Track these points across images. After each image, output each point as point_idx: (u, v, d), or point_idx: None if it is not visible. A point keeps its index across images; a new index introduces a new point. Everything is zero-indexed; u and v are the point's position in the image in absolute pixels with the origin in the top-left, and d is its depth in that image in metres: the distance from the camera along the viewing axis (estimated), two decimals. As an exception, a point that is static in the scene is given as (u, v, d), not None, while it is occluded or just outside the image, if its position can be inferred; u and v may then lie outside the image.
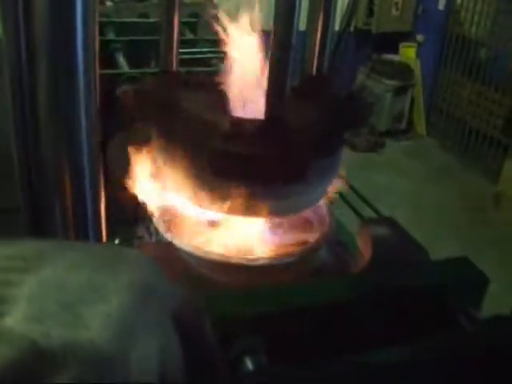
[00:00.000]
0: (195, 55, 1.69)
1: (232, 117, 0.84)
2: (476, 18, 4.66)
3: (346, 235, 1.07)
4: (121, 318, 0.31)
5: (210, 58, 1.64)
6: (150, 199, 0.91)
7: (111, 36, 1.97)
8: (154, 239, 0.95)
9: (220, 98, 0.85)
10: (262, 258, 0.86)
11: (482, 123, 4.61)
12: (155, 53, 1.68)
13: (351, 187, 1.29)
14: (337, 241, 1.00)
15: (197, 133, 0.79)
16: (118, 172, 0.87)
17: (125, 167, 0.87)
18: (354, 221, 1.10)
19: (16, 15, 0.53)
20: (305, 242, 0.92)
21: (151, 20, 2.24)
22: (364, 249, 0.90)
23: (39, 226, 0.63)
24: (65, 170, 0.59)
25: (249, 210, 0.82)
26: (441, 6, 4.98)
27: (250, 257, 0.86)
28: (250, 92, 0.86)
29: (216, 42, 0.88)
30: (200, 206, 0.85)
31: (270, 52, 0.77)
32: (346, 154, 0.93)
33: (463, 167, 4.69)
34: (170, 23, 0.92)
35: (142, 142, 0.85)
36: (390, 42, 5.14)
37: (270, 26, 0.75)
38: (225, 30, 0.84)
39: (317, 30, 0.95)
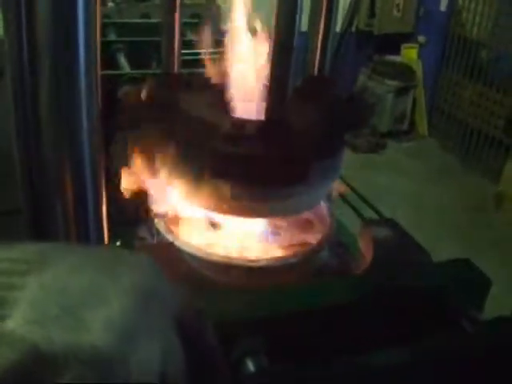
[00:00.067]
0: (196, 56, 1.69)
1: (233, 118, 0.84)
2: (477, 19, 4.66)
3: (347, 236, 1.07)
4: (122, 321, 0.31)
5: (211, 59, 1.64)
6: (152, 200, 0.91)
7: (113, 37, 1.98)
8: (155, 240, 0.95)
9: (221, 99, 0.85)
10: (264, 260, 0.86)
11: (484, 124, 4.61)
12: (156, 54, 1.68)
13: (352, 188, 1.29)
14: (338, 242, 1.00)
15: (198, 134, 0.79)
16: (119, 172, 0.87)
17: (126, 168, 0.87)
18: (355, 221, 1.10)
19: (18, 16, 0.53)
20: (306, 244, 0.92)
21: (153, 21, 2.25)
22: (365, 250, 0.90)
23: (40, 226, 0.63)
24: (66, 171, 0.59)
25: (249, 211, 0.82)
26: (442, 7, 4.98)
27: (252, 258, 0.86)
28: (252, 93, 0.86)
29: (217, 43, 0.88)
30: (201, 206, 0.85)
31: (271, 53, 0.77)
32: (347, 154, 0.93)
33: (464, 168, 4.68)
34: (172, 24, 0.92)
35: (143, 142, 0.85)
36: (392, 43, 5.14)
37: (272, 26, 0.75)
38: (226, 30, 0.84)
39: (318, 30, 0.95)
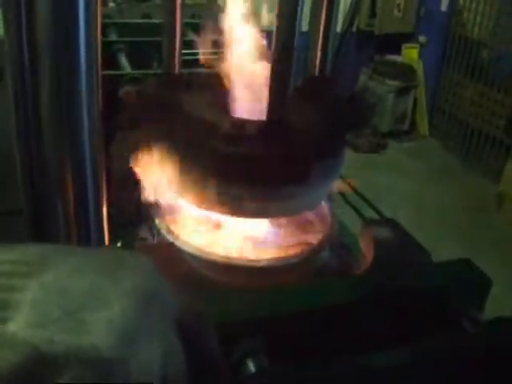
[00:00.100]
0: (197, 56, 1.69)
1: (234, 118, 0.84)
2: (478, 19, 4.66)
3: (348, 236, 1.07)
4: (123, 323, 0.31)
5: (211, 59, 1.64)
6: (153, 200, 0.91)
7: (114, 37, 1.97)
8: (156, 240, 0.95)
9: (222, 99, 0.85)
10: (264, 260, 0.86)
11: (485, 124, 4.61)
12: (158, 54, 1.68)
13: (353, 188, 1.29)
14: (339, 242, 1.00)
15: (199, 134, 0.79)
16: (119, 173, 0.87)
17: (127, 168, 0.86)
18: (355, 221, 1.10)
19: (18, 15, 0.53)
20: (307, 244, 0.92)
21: (154, 21, 2.24)
22: (366, 250, 0.90)
23: (41, 226, 0.63)
24: (67, 171, 0.59)
25: (250, 211, 0.82)
26: (443, 7, 4.98)
27: (252, 258, 0.86)
28: (253, 93, 0.86)
29: (218, 43, 0.88)
30: (202, 207, 0.85)
31: (272, 53, 0.77)
32: (348, 155, 0.93)
33: (465, 168, 4.68)
34: (173, 24, 0.92)
35: (144, 143, 0.85)
36: (393, 43, 5.14)
37: (273, 26, 0.75)
38: (227, 30, 0.84)
39: (319, 30, 0.95)
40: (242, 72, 0.87)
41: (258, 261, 0.85)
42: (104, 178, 0.64)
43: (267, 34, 0.85)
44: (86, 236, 0.64)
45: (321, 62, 0.97)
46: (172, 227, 0.90)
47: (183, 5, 0.93)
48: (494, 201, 4.02)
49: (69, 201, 0.60)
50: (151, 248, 0.95)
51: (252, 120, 0.82)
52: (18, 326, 0.29)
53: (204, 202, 0.83)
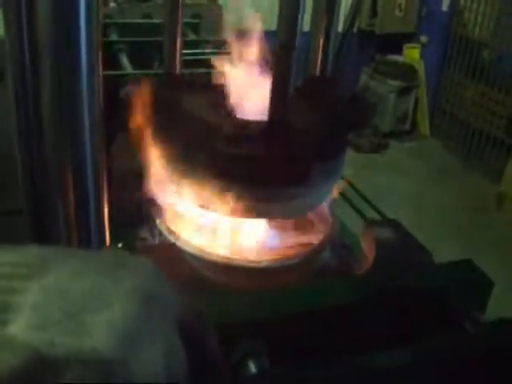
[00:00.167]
0: (198, 56, 1.69)
1: (235, 118, 0.84)
2: (479, 19, 4.66)
3: (349, 237, 1.07)
4: (124, 325, 0.31)
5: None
6: (153, 200, 0.91)
7: (114, 37, 1.97)
8: (157, 241, 0.95)
9: (223, 100, 0.85)
10: (265, 260, 0.86)
11: (486, 124, 4.61)
12: (159, 54, 1.68)
13: (354, 188, 1.29)
14: (340, 242, 1.00)
15: (200, 134, 0.79)
16: (120, 172, 0.87)
17: (127, 168, 0.86)
18: (356, 221, 1.10)
19: (19, 16, 0.53)
20: (308, 244, 0.92)
21: (154, 21, 2.24)
22: (367, 250, 0.90)
23: (41, 226, 0.63)
24: (68, 171, 0.59)
25: (251, 212, 0.82)
26: (444, 7, 4.97)
27: (253, 259, 0.86)
28: (254, 93, 0.86)
29: (219, 43, 0.88)
30: (203, 207, 0.85)
31: (273, 53, 0.77)
32: (349, 154, 0.92)
33: (466, 168, 4.68)
34: (174, 24, 0.92)
35: (145, 143, 0.85)
36: (394, 43, 5.14)
37: (274, 26, 0.75)
38: (228, 31, 0.84)
39: (320, 31, 0.95)
40: (243, 72, 0.87)
41: (259, 261, 0.85)
42: (105, 178, 0.64)
43: (268, 34, 0.85)
44: (87, 236, 0.64)
45: (322, 62, 0.97)
46: (173, 227, 0.90)
47: (184, 5, 0.93)
48: (494, 201, 4.02)
49: (69, 201, 0.60)
50: (152, 248, 0.95)
51: (253, 120, 0.82)
52: (18, 328, 0.29)
53: (205, 202, 0.83)
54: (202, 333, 0.39)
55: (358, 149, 4.57)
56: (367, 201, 1.28)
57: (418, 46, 5.21)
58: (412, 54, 5.21)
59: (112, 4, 2.52)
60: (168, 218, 0.93)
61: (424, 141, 5.17)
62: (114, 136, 0.88)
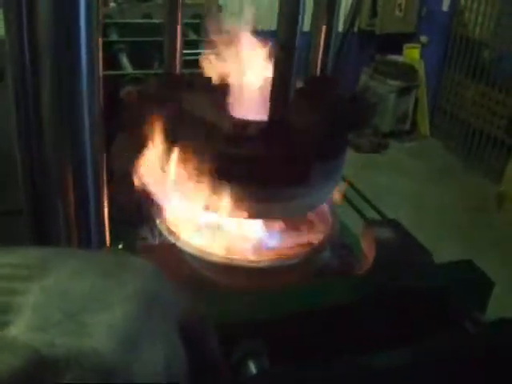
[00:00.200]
0: (198, 56, 1.69)
1: (236, 119, 0.84)
2: (480, 19, 4.65)
3: (349, 237, 1.07)
4: (124, 326, 0.31)
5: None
6: (154, 200, 0.91)
7: (114, 37, 1.97)
8: (157, 241, 0.94)
9: (224, 100, 0.85)
10: (265, 260, 0.86)
11: (486, 124, 4.61)
12: (159, 54, 1.68)
13: (354, 188, 1.29)
14: (340, 243, 1.00)
15: (200, 134, 0.79)
16: (120, 173, 0.87)
17: (127, 168, 0.86)
18: (357, 222, 1.10)
19: (19, 16, 0.53)
20: (308, 244, 0.92)
21: (154, 21, 2.24)
22: (368, 251, 0.90)
23: (41, 227, 0.63)
24: (68, 171, 0.59)
25: (252, 212, 0.82)
26: (445, 7, 4.97)
27: (253, 259, 0.86)
28: (254, 93, 0.85)
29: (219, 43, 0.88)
30: (203, 207, 0.85)
31: (274, 53, 0.76)
32: (349, 154, 0.92)
33: (466, 168, 4.68)
34: (174, 24, 0.92)
35: (145, 143, 0.85)
36: (394, 42, 5.14)
37: (274, 26, 0.75)
38: (229, 30, 0.84)
39: (321, 30, 0.95)
40: (243, 72, 0.87)
41: (259, 261, 0.85)
42: (105, 178, 0.64)
43: (268, 34, 0.85)
44: (87, 236, 0.64)
45: (322, 61, 0.97)
46: (173, 228, 0.90)
47: (184, 5, 0.93)
48: (494, 201, 4.02)
49: (69, 201, 0.60)
50: (152, 248, 0.95)
51: (254, 120, 0.82)
52: (18, 329, 0.29)
53: (205, 202, 0.82)
54: (202, 333, 0.39)
55: (358, 149, 4.57)
56: (367, 201, 1.28)
57: (418, 45, 5.21)
58: (412, 53, 5.21)
59: (112, 4, 2.52)
60: (168, 219, 0.92)
61: (424, 141, 5.16)
62: (113, 136, 0.87)
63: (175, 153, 0.82)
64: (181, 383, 0.34)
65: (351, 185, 1.23)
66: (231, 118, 0.84)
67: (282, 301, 0.69)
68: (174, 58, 0.95)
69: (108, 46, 1.83)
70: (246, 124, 0.80)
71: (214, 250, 0.86)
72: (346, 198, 1.16)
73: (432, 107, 5.21)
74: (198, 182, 0.80)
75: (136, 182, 0.87)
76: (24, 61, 0.55)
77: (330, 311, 0.69)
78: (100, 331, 0.30)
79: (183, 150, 0.81)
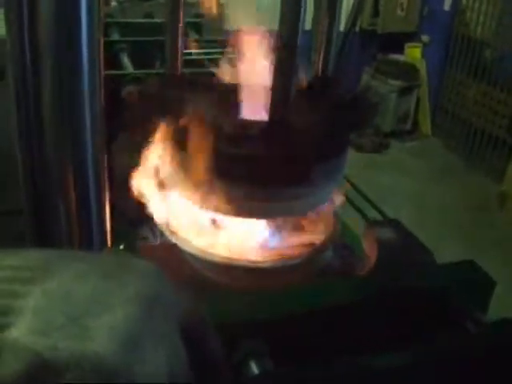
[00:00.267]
0: (200, 56, 1.69)
1: (237, 118, 0.84)
2: (481, 18, 4.65)
3: (350, 237, 1.06)
4: (126, 329, 0.31)
5: (214, 58, 1.64)
6: (155, 201, 0.91)
7: (116, 36, 1.97)
8: (158, 241, 0.94)
9: (225, 100, 0.85)
10: (267, 261, 0.85)
11: (488, 123, 4.60)
12: (160, 53, 1.68)
13: (355, 188, 1.29)
14: (342, 243, 1.00)
15: (201, 134, 0.79)
16: (121, 173, 0.87)
17: (128, 168, 0.86)
18: (358, 221, 1.10)
19: (20, 15, 0.53)
20: (309, 244, 0.92)
21: (156, 20, 2.24)
22: (369, 251, 0.90)
23: (42, 226, 0.63)
24: (69, 171, 0.59)
25: (253, 212, 0.82)
26: (446, 6, 4.97)
27: (255, 259, 0.86)
28: (256, 93, 0.85)
29: (221, 43, 0.88)
30: (204, 207, 0.85)
31: (274, 52, 0.76)
32: (350, 154, 0.92)
33: (468, 167, 4.68)
34: (175, 24, 0.92)
35: (146, 143, 0.85)
36: (396, 42, 5.14)
37: (275, 25, 0.74)
38: (230, 30, 0.83)
39: (322, 30, 0.95)
40: (244, 72, 0.87)
41: (260, 261, 0.85)
42: (106, 178, 0.64)
43: (270, 33, 0.85)
44: (88, 237, 0.64)
45: (324, 61, 0.97)
46: (174, 228, 0.90)
47: (185, 4, 0.93)
48: (496, 200, 4.02)
49: (70, 201, 0.60)
50: (153, 249, 0.94)
51: (255, 120, 0.82)
52: (20, 332, 0.29)
53: (206, 202, 0.82)
54: (203, 334, 0.39)
55: (359, 148, 4.57)
56: (369, 200, 1.28)
57: (420, 45, 5.20)
58: (414, 53, 5.21)
59: (113, 3, 2.52)
60: (169, 219, 0.92)
61: (425, 140, 5.16)
62: (115, 136, 0.87)
63: (176, 153, 0.82)
64: (182, 382, 0.35)
65: (352, 185, 1.23)
66: (233, 117, 0.84)
67: (284, 301, 0.69)
68: (176, 57, 0.95)
69: (109, 45, 1.83)
70: (247, 124, 0.80)
71: (215, 250, 0.86)
72: (347, 197, 1.16)
73: (433, 107, 5.21)
74: (198, 181, 0.80)
75: (136, 181, 0.87)
76: (25, 61, 0.54)
77: (332, 311, 0.69)
78: (101, 334, 0.30)
79: (184, 150, 0.81)
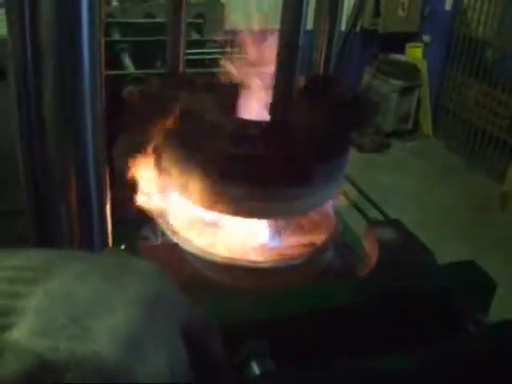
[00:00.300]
0: (201, 56, 1.68)
1: (238, 118, 0.84)
2: (483, 18, 4.65)
3: (352, 237, 1.06)
4: (128, 330, 0.31)
5: (216, 58, 1.64)
6: (156, 201, 0.91)
7: (117, 36, 1.97)
8: (159, 240, 0.94)
9: (226, 100, 0.85)
10: (268, 261, 0.85)
11: (488, 124, 4.60)
12: (161, 53, 1.68)
13: (356, 188, 1.29)
14: (343, 243, 0.99)
15: (202, 134, 0.79)
16: (122, 173, 0.87)
17: (129, 168, 0.86)
18: (359, 222, 1.10)
19: (21, 16, 0.53)
20: (311, 244, 0.92)
21: (157, 20, 2.24)
22: (370, 251, 0.90)
23: (44, 227, 0.63)
24: (70, 171, 0.59)
25: (254, 212, 0.82)
26: (447, 6, 4.97)
27: (256, 259, 0.86)
28: (257, 93, 0.85)
29: (222, 43, 0.88)
30: (205, 207, 0.85)
31: (276, 52, 0.76)
32: (351, 154, 0.92)
33: (469, 167, 4.68)
34: (176, 24, 0.92)
35: (147, 143, 0.85)
36: (397, 42, 5.13)
37: (277, 25, 0.74)
38: (231, 31, 0.83)
39: (323, 30, 0.95)
40: (245, 71, 0.87)
41: (262, 262, 0.85)
42: (107, 177, 0.64)
43: (272, 33, 0.85)
44: (89, 236, 0.63)
45: (325, 60, 0.97)
46: (175, 228, 0.90)
47: (187, 4, 0.93)
48: (497, 201, 4.02)
49: (72, 201, 0.60)
50: (154, 249, 0.94)
51: (256, 120, 0.82)
52: (21, 332, 0.29)
53: (207, 202, 0.82)
54: (204, 335, 0.39)
55: (360, 148, 4.57)
56: (369, 200, 1.28)
57: (421, 45, 5.20)
58: (415, 53, 5.21)
59: (114, 3, 2.52)
60: (170, 219, 0.92)
61: (426, 140, 5.16)
62: (116, 136, 0.87)
63: (177, 152, 0.82)
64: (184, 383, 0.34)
65: (353, 184, 1.23)
66: (233, 117, 0.84)
67: (284, 301, 0.69)
68: (177, 57, 0.95)
69: (110, 45, 1.83)
70: (248, 123, 0.80)
71: (216, 250, 0.86)
72: (348, 197, 1.16)
73: (434, 107, 5.21)
74: (199, 181, 0.80)
75: (137, 181, 0.87)
76: (26, 60, 0.54)
77: (333, 311, 0.69)
78: (102, 335, 0.30)
79: (185, 150, 0.81)
